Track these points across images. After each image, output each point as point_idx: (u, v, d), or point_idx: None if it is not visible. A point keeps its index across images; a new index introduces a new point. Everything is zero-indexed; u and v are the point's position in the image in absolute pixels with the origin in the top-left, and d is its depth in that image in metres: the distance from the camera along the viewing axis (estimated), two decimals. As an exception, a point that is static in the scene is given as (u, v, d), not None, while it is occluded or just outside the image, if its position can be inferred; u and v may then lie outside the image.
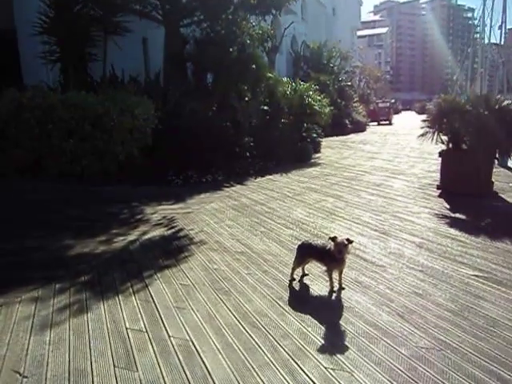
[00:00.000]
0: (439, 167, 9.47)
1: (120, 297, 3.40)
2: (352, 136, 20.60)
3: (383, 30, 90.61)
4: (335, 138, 18.64)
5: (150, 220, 5.75)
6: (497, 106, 6.35)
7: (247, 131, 10.43)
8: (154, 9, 10.70)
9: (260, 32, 11.22)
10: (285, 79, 13.09)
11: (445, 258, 4.05)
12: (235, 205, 6.59)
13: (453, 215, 5.66)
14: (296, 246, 3.77)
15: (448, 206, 6.13)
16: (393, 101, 44.75)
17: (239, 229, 5.25)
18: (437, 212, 5.83)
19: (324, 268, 3.55)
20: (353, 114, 23.81)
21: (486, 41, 50.76)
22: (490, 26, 44.54)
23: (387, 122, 32.80)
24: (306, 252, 3.57)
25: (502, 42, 58.63)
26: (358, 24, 46.51)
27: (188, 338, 2.74)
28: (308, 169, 10.23)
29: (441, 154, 7.02)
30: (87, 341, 2.72)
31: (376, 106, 34.54)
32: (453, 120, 6.73)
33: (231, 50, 11.09)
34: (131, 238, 4.99)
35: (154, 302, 3.30)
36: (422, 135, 7.21)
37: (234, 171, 9.15)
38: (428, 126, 7.19)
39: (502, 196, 6.68)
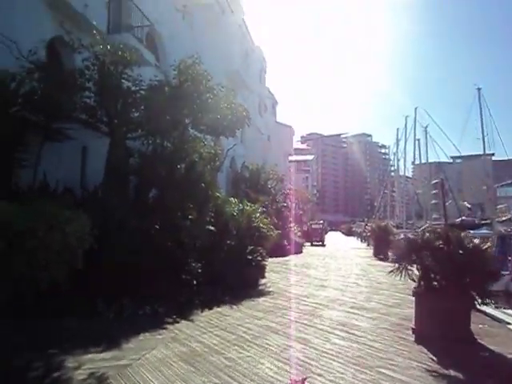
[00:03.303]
0: (398, 301, 9.04)
1: None
2: (291, 258, 20.15)
3: (310, 157, 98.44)
4: (275, 260, 17.97)
5: (71, 381, 4.27)
6: (470, 245, 6.08)
7: (193, 254, 9.42)
8: (100, 120, 10.13)
9: (213, 152, 10.97)
10: (232, 199, 12.63)
11: None
12: (184, 353, 5.29)
13: (447, 372, 4.83)
14: None
15: (434, 358, 5.33)
16: (321, 221, 46.54)
17: (197, 397, 3.97)
18: (426, 367, 4.98)
19: None
20: (291, 235, 23.77)
21: (401, 173, 56.65)
22: (404, 161, 49.83)
23: (320, 243, 33.41)
24: None
25: (412, 175, 65.85)
26: (291, 150, 49.96)
27: None
28: (258, 299, 9.20)
29: (414, 293, 6.44)
30: None
31: (310, 227, 35.39)
32: (423, 256, 6.33)
33: (179, 167, 10.60)
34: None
35: None
36: (392, 271, 6.69)
37: (177, 301, 7.88)
38: (396, 261, 6.73)
39: (481, 342, 6.07)
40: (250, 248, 12.17)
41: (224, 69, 22.36)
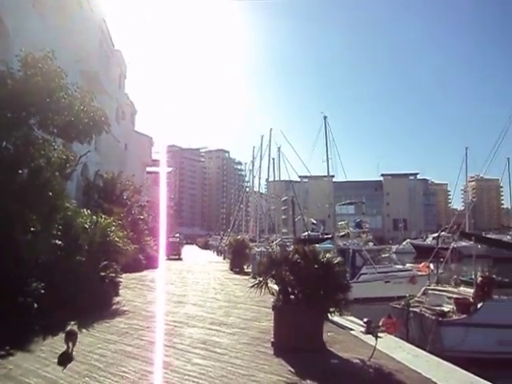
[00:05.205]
0: (256, 315, 9.25)
1: None
2: (147, 273, 19.25)
3: (168, 169, 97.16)
4: (130, 276, 16.91)
5: None
6: (324, 260, 6.52)
7: (34, 272, 8.21)
8: None
9: (64, 157, 9.76)
10: (84, 211, 11.50)
11: None
12: (21, 393, 4.46)
13: (304, 383, 5.02)
14: None
15: (292, 370, 5.50)
16: (178, 235, 46.03)
17: None
18: (286, 379, 5.12)
19: None
20: (147, 249, 22.82)
21: (256, 189, 59.69)
22: (259, 178, 52.57)
23: (177, 257, 33.00)
24: None
25: (266, 192, 70.31)
26: (149, 161, 48.44)
27: None
28: (112, 320, 8.45)
29: (274, 307, 6.61)
30: None
31: (167, 240, 34.54)
32: (283, 271, 6.57)
33: (20, 172, 9.21)
34: None
35: None
36: (253, 286, 6.79)
37: (11, 329, 6.69)
38: (257, 276, 6.87)
39: (331, 349, 6.52)
40: (103, 264, 11.23)
41: (80, 69, 20.61)
